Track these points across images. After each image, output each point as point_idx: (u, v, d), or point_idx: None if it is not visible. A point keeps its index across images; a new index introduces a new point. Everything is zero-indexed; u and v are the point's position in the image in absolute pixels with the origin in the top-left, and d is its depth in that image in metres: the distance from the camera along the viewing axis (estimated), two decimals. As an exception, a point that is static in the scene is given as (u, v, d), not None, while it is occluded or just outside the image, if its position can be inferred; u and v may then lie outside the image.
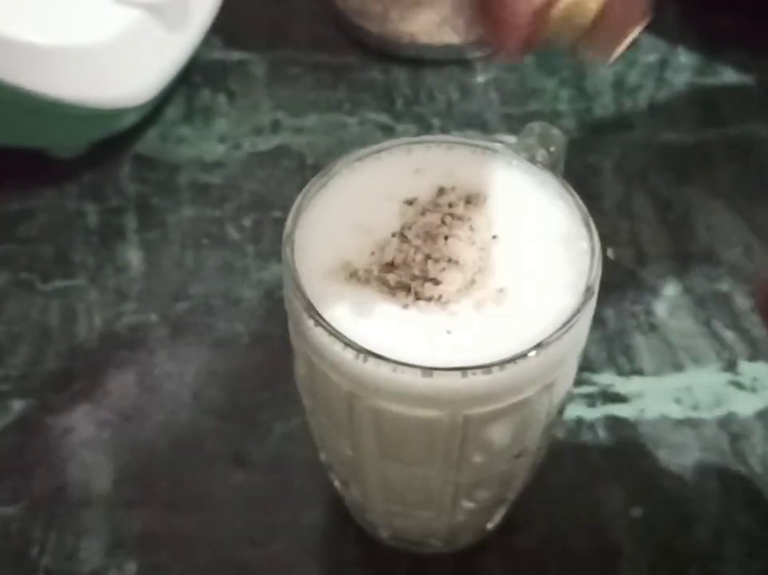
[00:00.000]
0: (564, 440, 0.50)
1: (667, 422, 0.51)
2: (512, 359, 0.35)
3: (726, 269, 0.56)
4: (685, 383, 0.52)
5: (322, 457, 0.44)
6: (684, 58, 0.67)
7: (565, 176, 0.42)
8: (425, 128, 0.63)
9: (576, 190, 0.40)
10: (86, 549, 0.47)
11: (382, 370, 0.35)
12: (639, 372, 0.52)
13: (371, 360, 0.35)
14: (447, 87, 0.66)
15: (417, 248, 0.38)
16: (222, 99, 0.65)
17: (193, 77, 0.66)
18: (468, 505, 0.42)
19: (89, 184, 0.61)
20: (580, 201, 0.39)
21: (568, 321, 0.36)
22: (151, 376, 0.52)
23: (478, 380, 0.35)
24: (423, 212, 0.39)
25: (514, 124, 0.63)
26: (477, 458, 0.39)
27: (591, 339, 0.49)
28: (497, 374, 0.35)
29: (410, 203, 0.39)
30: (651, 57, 0.67)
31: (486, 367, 0.35)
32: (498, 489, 0.43)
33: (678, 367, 0.53)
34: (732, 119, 0.63)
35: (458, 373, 0.35)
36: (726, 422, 0.51)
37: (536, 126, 0.42)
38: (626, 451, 0.50)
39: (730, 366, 0.53)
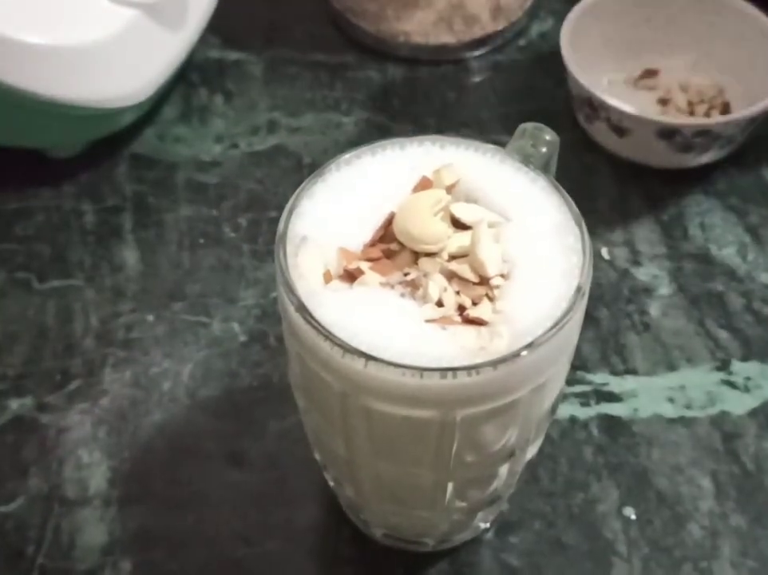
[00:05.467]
0: (558, 439, 0.50)
1: (660, 420, 0.51)
2: (505, 359, 0.35)
3: (719, 269, 0.57)
4: (678, 382, 0.52)
5: (317, 456, 0.44)
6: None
7: (559, 175, 0.42)
8: (421, 127, 0.63)
9: (570, 189, 0.40)
10: (82, 547, 0.47)
11: (373, 370, 0.35)
12: (632, 371, 0.53)
13: (362, 360, 0.35)
14: (442, 87, 0.66)
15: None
16: (219, 98, 0.65)
17: (190, 77, 0.66)
18: (461, 503, 0.42)
19: (85, 184, 0.61)
20: (572, 201, 0.39)
21: (560, 320, 0.36)
22: (147, 375, 0.52)
23: (470, 380, 0.35)
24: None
25: (509, 123, 0.63)
26: (470, 458, 0.39)
27: (585, 338, 0.49)
28: (489, 374, 0.35)
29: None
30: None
31: (478, 367, 0.35)
32: (491, 488, 0.43)
33: (671, 366, 0.53)
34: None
35: (450, 373, 0.35)
36: (719, 421, 0.51)
37: (529, 127, 0.42)
38: (619, 450, 0.50)
39: (723, 365, 0.53)
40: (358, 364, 0.35)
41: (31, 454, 0.50)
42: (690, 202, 0.60)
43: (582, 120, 0.62)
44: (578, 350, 0.40)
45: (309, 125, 0.64)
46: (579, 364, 0.52)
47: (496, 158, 0.41)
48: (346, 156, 0.41)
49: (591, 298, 0.38)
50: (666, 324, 0.54)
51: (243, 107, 0.65)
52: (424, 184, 0.39)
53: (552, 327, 0.36)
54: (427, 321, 0.36)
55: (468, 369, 0.35)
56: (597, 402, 0.51)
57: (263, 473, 0.49)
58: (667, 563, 0.47)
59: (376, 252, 0.38)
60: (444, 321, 0.36)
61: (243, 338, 0.54)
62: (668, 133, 0.58)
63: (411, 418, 0.37)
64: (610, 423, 0.51)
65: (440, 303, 0.36)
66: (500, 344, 0.36)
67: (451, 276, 0.37)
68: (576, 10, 0.62)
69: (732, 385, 0.52)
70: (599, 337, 0.54)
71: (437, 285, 0.37)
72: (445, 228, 0.38)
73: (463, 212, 0.39)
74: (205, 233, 0.59)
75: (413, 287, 0.37)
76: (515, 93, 0.66)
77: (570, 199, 0.39)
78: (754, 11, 0.62)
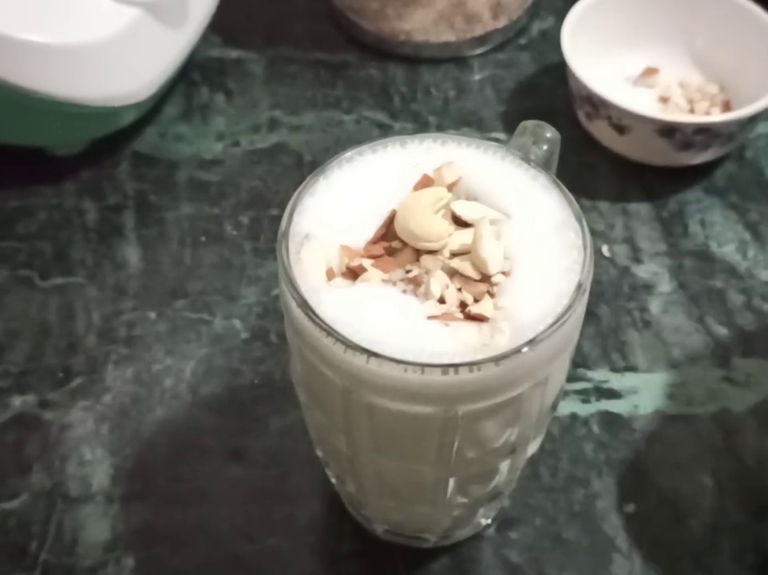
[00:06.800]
0: (559, 435, 0.50)
1: (660, 417, 0.51)
2: (506, 355, 0.35)
3: (719, 266, 0.57)
4: (679, 379, 0.52)
5: (318, 452, 0.45)
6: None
7: (560, 172, 0.42)
8: (422, 125, 0.64)
9: (570, 187, 0.40)
10: (85, 543, 0.47)
11: (375, 366, 0.35)
12: (633, 368, 0.53)
13: (364, 356, 0.35)
14: (443, 85, 0.66)
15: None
16: (220, 97, 0.66)
17: (192, 75, 0.66)
18: (462, 500, 0.43)
19: (87, 182, 0.61)
20: (572, 198, 0.39)
21: (561, 317, 0.36)
22: (149, 372, 0.53)
23: (471, 376, 0.35)
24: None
25: (510, 121, 0.63)
26: (471, 454, 0.39)
27: (585, 335, 0.49)
28: (491, 370, 0.35)
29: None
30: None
31: (479, 363, 0.35)
32: (492, 484, 0.43)
33: (672, 363, 0.53)
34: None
35: (451, 369, 0.35)
36: (720, 418, 0.51)
37: (530, 124, 0.42)
38: (620, 446, 0.50)
39: (724, 362, 0.53)
40: (360, 360, 0.35)
41: (34, 451, 0.50)
42: (690, 199, 0.60)
43: (582, 118, 0.62)
44: (579, 347, 0.41)
45: (310, 123, 0.64)
46: (579, 361, 0.52)
47: (498, 155, 0.41)
48: (348, 153, 0.41)
49: (591, 295, 0.38)
50: (666, 321, 0.55)
51: (244, 105, 0.65)
52: (425, 182, 0.39)
53: (553, 324, 0.36)
54: (429, 317, 0.36)
55: (469, 365, 0.35)
56: (598, 399, 0.52)
57: (264, 470, 0.49)
58: (667, 559, 0.47)
59: (378, 250, 0.38)
60: (446, 317, 0.36)
61: (244, 335, 0.54)
62: (668, 131, 0.58)
63: (413, 414, 0.37)
64: (610, 420, 0.51)
65: (442, 300, 0.37)
66: (501, 340, 0.36)
67: (453, 273, 0.37)
68: (577, 8, 0.62)
69: (732, 381, 0.52)
70: (599, 334, 0.54)
71: (438, 282, 0.37)
72: (446, 226, 0.38)
73: (464, 209, 0.39)
74: (206, 231, 0.59)
75: (415, 283, 0.37)
76: (516, 91, 0.66)
77: (571, 196, 0.39)
78: (754, 9, 0.62)
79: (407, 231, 0.38)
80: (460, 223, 0.39)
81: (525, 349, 0.35)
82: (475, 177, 0.40)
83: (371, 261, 0.37)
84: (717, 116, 0.59)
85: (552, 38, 0.67)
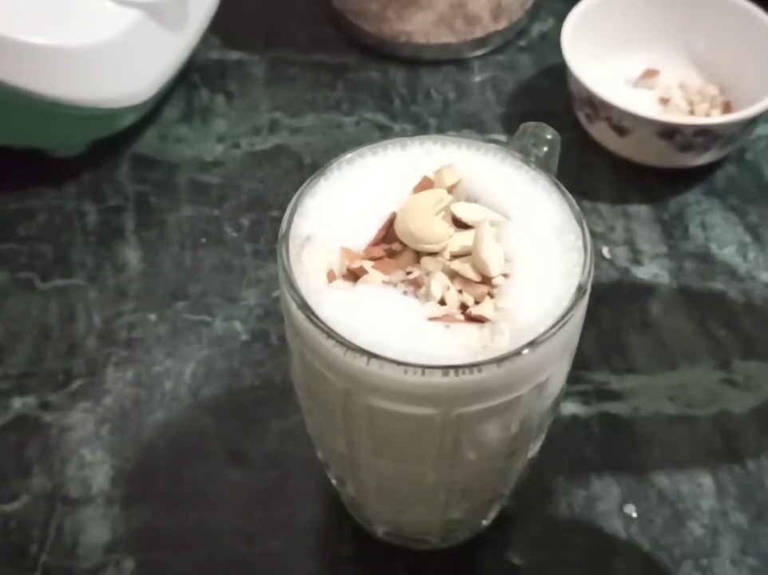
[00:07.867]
0: (559, 437, 0.50)
1: (661, 419, 0.51)
2: (506, 357, 0.35)
3: (720, 268, 0.57)
4: (679, 381, 0.52)
5: (319, 454, 0.45)
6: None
7: (560, 174, 0.42)
8: (422, 127, 0.64)
9: (571, 188, 0.40)
10: (85, 545, 0.47)
11: (375, 368, 0.35)
12: (633, 370, 0.53)
13: (364, 358, 0.35)
14: (444, 86, 0.66)
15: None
16: (220, 99, 0.66)
17: (192, 77, 0.66)
18: (463, 502, 0.43)
19: (88, 184, 0.61)
20: (573, 200, 0.39)
21: (561, 319, 0.36)
22: (149, 374, 0.53)
23: (472, 378, 0.35)
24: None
25: (510, 123, 0.63)
26: (471, 456, 0.39)
27: (586, 337, 0.49)
28: (491, 372, 0.35)
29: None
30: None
31: (480, 365, 0.35)
32: (492, 486, 0.43)
33: (672, 365, 0.53)
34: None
35: (452, 371, 0.35)
36: (720, 420, 0.51)
37: (530, 126, 0.42)
38: (620, 448, 0.50)
39: (724, 364, 0.53)
40: (361, 362, 0.35)
41: (34, 453, 0.50)
42: (690, 201, 0.60)
43: (583, 120, 0.62)
44: (579, 349, 0.41)
45: (310, 125, 0.64)
46: (580, 363, 0.52)
47: (498, 157, 0.41)
48: (348, 155, 0.41)
49: (592, 297, 0.38)
50: (666, 323, 0.55)
51: (244, 107, 0.65)
52: (425, 184, 0.39)
53: (553, 326, 0.36)
54: (429, 319, 0.36)
55: (470, 367, 0.35)
56: (598, 401, 0.52)
57: (265, 472, 0.49)
58: (667, 561, 0.47)
59: (378, 252, 0.38)
60: (446, 319, 0.36)
61: (245, 337, 0.54)
62: (668, 133, 0.58)
63: (413, 416, 0.37)
64: (611, 421, 0.51)
65: (442, 302, 0.37)
66: (501, 342, 0.36)
67: (453, 275, 0.37)
68: (577, 10, 0.62)
69: (733, 383, 0.52)
70: (600, 336, 0.54)
71: (439, 283, 0.37)
72: (446, 228, 0.38)
73: (464, 211, 0.39)
74: (207, 233, 0.59)
75: (416, 285, 0.37)
76: (516, 92, 0.66)
77: (571, 197, 0.40)
78: (755, 10, 0.62)
79: (407, 233, 0.38)
80: (460, 225, 0.39)
81: (526, 351, 0.35)
82: (475, 179, 0.40)
83: (372, 263, 0.37)
84: (717, 118, 0.59)
85: (552, 40, 0.67)
